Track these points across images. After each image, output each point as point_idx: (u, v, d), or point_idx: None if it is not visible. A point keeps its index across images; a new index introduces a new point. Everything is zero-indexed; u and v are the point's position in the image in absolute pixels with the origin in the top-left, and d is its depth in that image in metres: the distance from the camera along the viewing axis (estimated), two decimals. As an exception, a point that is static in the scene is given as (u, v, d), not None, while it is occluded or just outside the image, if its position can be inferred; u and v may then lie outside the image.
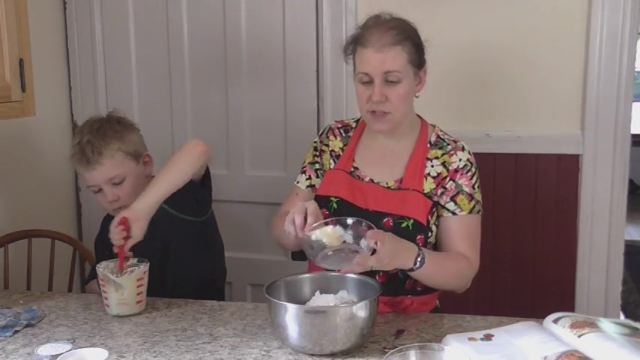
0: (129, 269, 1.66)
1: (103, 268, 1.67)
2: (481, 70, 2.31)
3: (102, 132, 1.84)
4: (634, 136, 2.34)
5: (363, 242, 1.47)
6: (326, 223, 1.50)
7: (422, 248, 1.57)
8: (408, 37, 1.65)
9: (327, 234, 1.49)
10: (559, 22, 2.23)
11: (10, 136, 2.45)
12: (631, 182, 2.98)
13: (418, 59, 1.68)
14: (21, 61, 1.77)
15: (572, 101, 2.26)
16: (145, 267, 1.69)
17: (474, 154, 1.74)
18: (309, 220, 1.49)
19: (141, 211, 1.68)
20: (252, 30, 2.56)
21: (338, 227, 1.50)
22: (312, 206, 1.52)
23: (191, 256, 1.91)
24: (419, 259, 1.54)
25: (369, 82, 1.64)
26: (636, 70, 2.27)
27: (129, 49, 2.72)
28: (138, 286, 1.67)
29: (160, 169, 1.79)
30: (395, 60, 1.62)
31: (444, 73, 2.31)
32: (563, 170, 2.29)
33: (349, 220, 1.52)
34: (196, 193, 1.85)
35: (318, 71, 2.49)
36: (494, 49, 2.29)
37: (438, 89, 2.32)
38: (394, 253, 1.50)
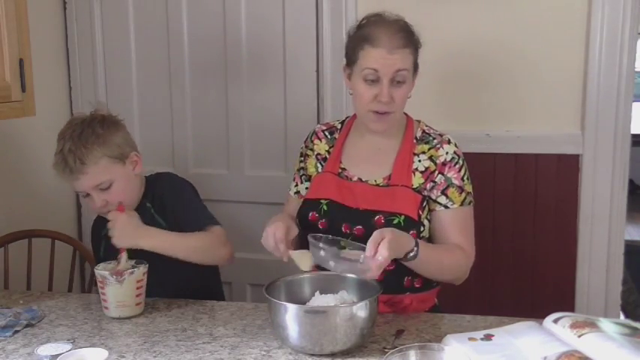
0: (128, 270, 1.65)
1: (102, 269, 1.67)
2: (481, 71, 2.31)
3: (83, 138, 1.73)
4: (634, 136, 2.33)
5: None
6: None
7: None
8: (413, 40, 1.67)
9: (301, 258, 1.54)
10: (559, 22, 2.23)
11: (10, 136, 2.45)
12: (631, 182, 2.97)
13: (416, 62, 1.70)
14: (21, 61, 1.77)
15: (572, 101, 2.26)
16: (144, 268, 1.68)
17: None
18: (283, 247, 1.55)
19: (137, 231, 1.71)
20: (252, 30, 2.56)
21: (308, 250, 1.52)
22: (280, 232, 1.55)
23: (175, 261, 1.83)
24: (414, 244, 1.54)
25: (375, 80, 1.64)
26: (636, 70, 2.27)
27: (129, 49, 2.72)
28: (137, 288, 1.67)
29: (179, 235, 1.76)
30: (404, 61, 1.64)
31: (444, 74, 2.31)
32: (563, 170, 2.29)
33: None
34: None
35: (318, 71, 2.49)
36: (494, 49, 2.29)
37: (439, 89, 2.33)
38: (396, 234, 1.49)
